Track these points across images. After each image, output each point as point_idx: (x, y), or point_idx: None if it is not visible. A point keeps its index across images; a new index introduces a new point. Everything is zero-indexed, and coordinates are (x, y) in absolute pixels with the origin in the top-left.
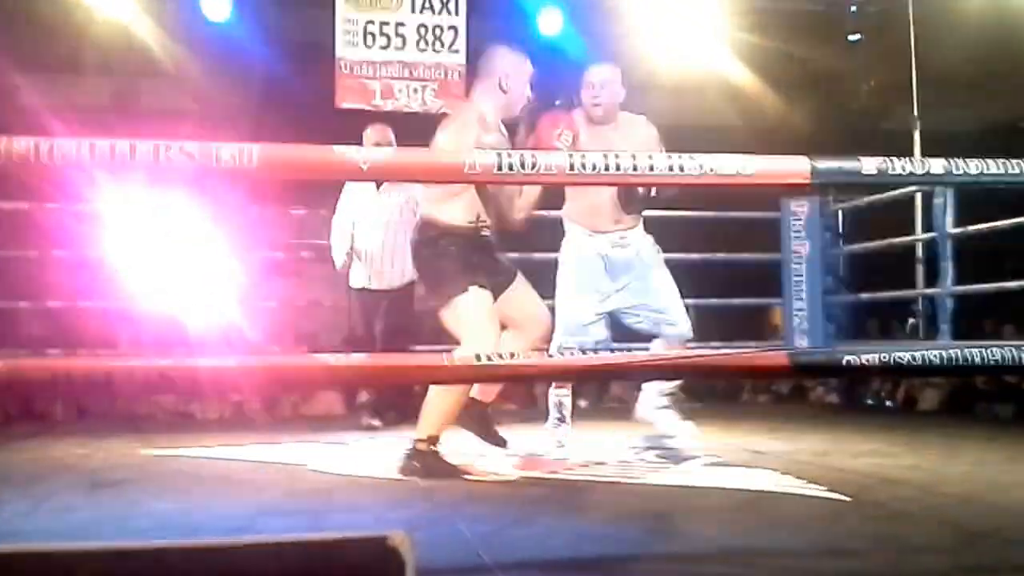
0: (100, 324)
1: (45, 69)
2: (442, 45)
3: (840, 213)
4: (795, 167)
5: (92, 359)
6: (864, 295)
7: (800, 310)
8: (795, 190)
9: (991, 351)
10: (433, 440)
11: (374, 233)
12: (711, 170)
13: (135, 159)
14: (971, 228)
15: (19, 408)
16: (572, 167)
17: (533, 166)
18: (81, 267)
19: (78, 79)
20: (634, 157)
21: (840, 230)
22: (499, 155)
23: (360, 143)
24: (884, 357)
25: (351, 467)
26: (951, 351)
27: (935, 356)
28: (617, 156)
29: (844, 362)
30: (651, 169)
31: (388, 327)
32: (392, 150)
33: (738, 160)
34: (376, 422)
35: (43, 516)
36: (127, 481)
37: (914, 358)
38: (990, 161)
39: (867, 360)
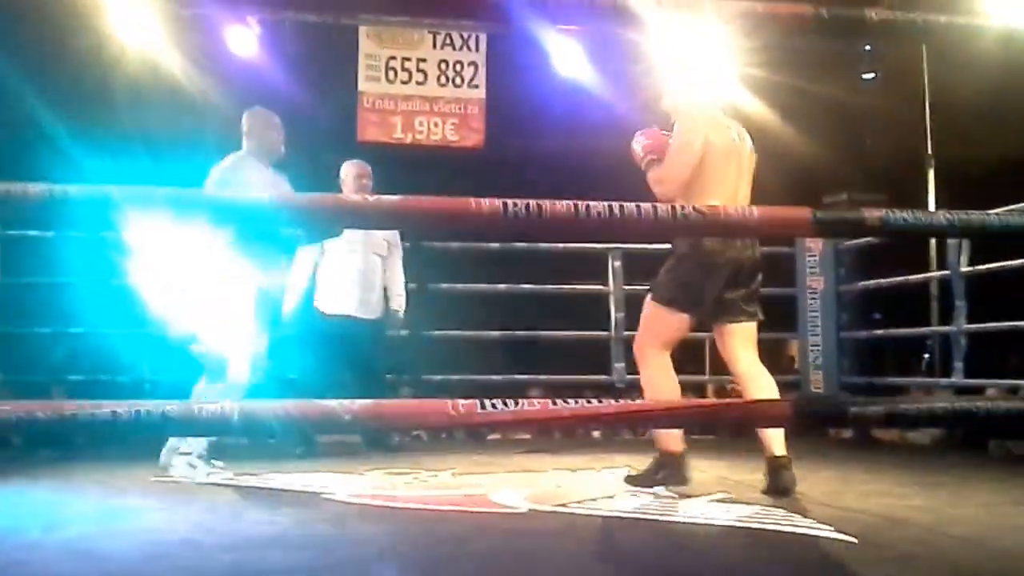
0: (122, 351)
1: (76, 100)
2: (462, 80)
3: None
4: (796, 217)
5: (99, 403)
6: (879, 331)
7: (815, 345)
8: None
9: (996, 405)
10: (674, 454)
11: (351, 257)
12: (714, 219)
13: (150, 207)
14: (984, 267)
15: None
16: (578, 215)
17: (539, 213)
18: (104, 294)
19: (108, 110)
20: (639, 205)
21: (855, 265)
22: (505, 202)
23: (379, 176)
24: (889, 409)
25: (364, 496)
26: (956, 405)
27: (939, 409)
28: (622, 205)
29: (849, 414)
30: (655, 218)
31: (374, 359)
32: (399, 197)
33: (741, 209)
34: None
35: (53, 546)
36: (142, 509)
37: (920, 411)
38: (994, 214)
39: (872, 412)
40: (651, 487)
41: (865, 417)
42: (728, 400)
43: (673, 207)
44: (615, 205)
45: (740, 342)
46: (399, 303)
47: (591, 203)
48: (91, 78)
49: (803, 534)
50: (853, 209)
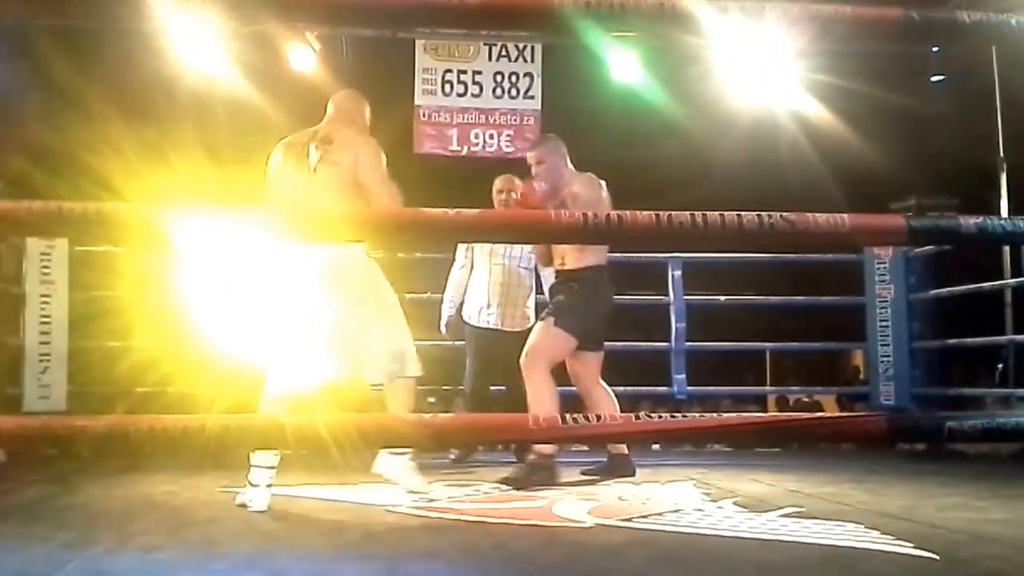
0: (186, 364)
1: (141, 118)
2: (517, 92)
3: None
4: (891, 225)
5: (188, 416)
6: (951, 340)
7: (886, 356)
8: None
9: None
10: (547, 456)
11: (495, 270)
12: (803, 228)
13: (213, 226)
14: None
15: None
16: (659, 224)
17: (620, 223)
18: (170, 308)
19: (171, 127)
20: (722, 216)
21: (926, 273)
22: (585, 215)
23: (443, 188)
24: (987, 423)
25: (428, 508)
26: None
27: None
28: (705, 214)
29: (946, 429)
30: (740, 228)
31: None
32: (478, 210)
33: (831, 219)
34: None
35: (128, 556)
36: (211, 520)
37: (1019, 424)
38: None
39: (969, 427)
40: (528, 488)
41: (963, 432)
42: (820, 415)
43: (760, 215)
44: (697, 214)
45: (595, 368)
46: None
47: (673, 213)
48: (157, 95)
49: (882, 551)
50: (947, 215)
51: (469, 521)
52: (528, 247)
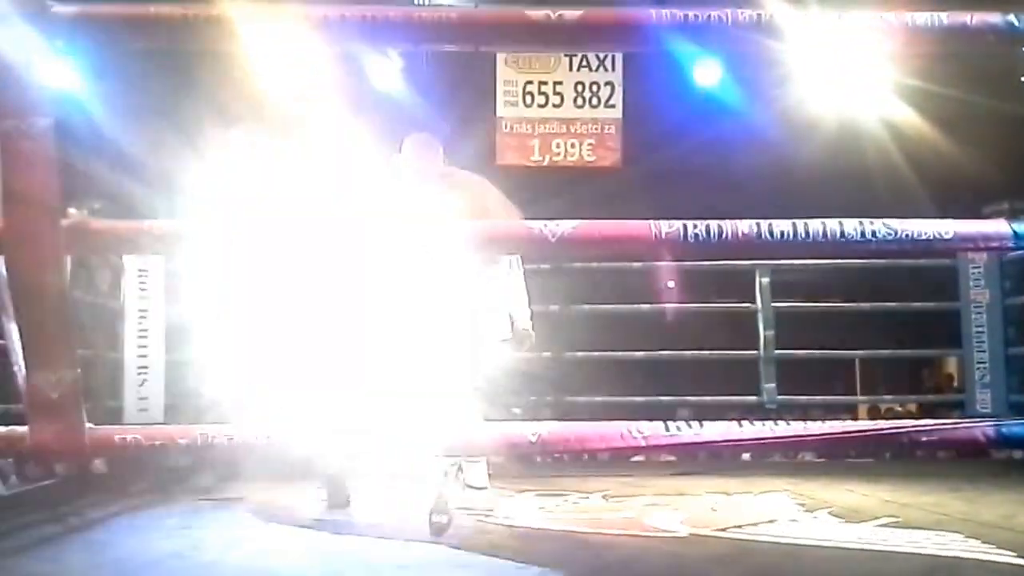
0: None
1: (229, 128)
2: (599, 101)
3: None
4: (995, 231)
5: (304, 431)
6: None
7: (981, 362)
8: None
9: None
10: None
11: None
12: (906, 236)
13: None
14: None
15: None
16: (760, 234)
17: (720, 234)
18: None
19: (261, 137)
20: (823, 224)
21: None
22: (685, 224)
23: (526, 199)
24: None
25: (519, 518)
26: None
27: None
28: (807, 222)
29: None
30: (842, 236)
31: None
32: (577, 223)
33: (934, 225)
34: None
35: (232, 564)
36: (309, 527)
37: None
38: None
39: None
40: None
41: None
42: (930, 422)
43: (861, 222)
44: (799, 223)
45: None
46: None
47: (774, 222)
48: (241, 114)
49: (985, 560)
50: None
51: (561, 531)
52: None
